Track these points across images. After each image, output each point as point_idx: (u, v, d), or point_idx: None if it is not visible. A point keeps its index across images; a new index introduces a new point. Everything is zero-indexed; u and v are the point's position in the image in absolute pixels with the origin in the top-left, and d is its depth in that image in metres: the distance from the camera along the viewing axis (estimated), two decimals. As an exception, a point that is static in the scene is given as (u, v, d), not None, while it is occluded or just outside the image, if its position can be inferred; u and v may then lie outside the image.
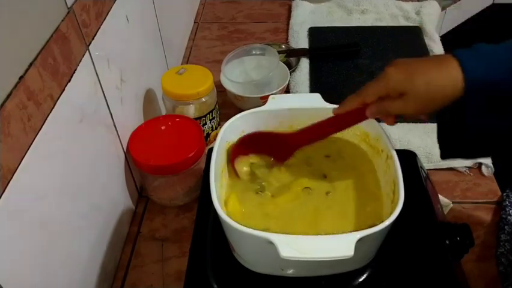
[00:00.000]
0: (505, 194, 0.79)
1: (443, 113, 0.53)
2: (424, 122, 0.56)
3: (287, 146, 0.63)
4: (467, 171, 0.85)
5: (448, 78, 0.50)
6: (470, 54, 0.50)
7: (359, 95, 0.56)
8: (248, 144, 0.63)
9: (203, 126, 0.86)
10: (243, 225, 0.48)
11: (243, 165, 0.63)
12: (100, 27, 0.65)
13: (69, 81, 0.57)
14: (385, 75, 0.53)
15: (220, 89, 0.93)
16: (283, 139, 0.63)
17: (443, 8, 1.55)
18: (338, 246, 0.46)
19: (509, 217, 0.74)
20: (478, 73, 0.49)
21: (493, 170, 0.84)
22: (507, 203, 0.77)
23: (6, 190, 0.44)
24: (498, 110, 0.50)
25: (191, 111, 0.84)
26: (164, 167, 0.73)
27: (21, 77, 0.47)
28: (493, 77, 0.48)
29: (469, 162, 0.84)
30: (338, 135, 0.65)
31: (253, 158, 0.64)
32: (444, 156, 0.58)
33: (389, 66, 0.53)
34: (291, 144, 0.63)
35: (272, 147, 0.64)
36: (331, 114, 0.60)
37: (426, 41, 1.14)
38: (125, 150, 0.76)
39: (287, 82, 0.98)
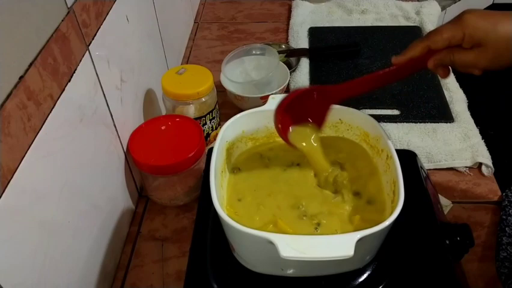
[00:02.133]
0: (504, 194, 0.79)
1: None
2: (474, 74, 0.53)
3: (330, 99, 0.61)
4: (467, 171, 0.85)
5: None
6: None
7: (428, 39, 0.51)
8: (291, 111, 0.59)
9: (203, 126, 0.86)
10: (243, 225, 0.48)
11: (299, 139, 0.61)
12: (100, 27, 0.65)
13: (69, 81, 0.57)
14: (462, 20, 0.48)
15: (220, 89, 0.93)
16: (327, 92, 0.60)
17: (443, 8, 1.55)
18: (338, 246, 0.46)
19: (509, 217, 0.74)
20: None
21: (493, 170, 0.84)
22: (506, 203, 0.77)
23: (6, 190, 0.44)
24: None
25: (191, 111, 0.84)
26: (164, 167, 0.73)
27: (21, 77, 0.47)
28: None
29: (469, 162, 0.84)
30: (339, 134, 0.65)
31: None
32: None
33: (465, 13, 0.48)
34: (339, 93, 0.60)
35: (313, 108, 0.61)
36: (330, 114, 0.60)
37: (426, 41, 1.13)
38: (125, 150, 0.76)
39: (287, 82, 0.98)
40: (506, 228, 0.72)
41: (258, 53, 1.03)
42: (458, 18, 0.49)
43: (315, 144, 0.61)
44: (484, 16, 0.48)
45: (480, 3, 1.92)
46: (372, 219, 0.55)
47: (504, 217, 0.74)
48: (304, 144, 0.61)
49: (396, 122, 0.92)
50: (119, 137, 0.74)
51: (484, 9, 1.92)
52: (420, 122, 0.91)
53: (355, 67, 1.08)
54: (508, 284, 0.66)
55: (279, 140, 0.66)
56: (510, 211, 0.75)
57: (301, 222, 0.56)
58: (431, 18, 1.21)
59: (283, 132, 0.60)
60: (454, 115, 0.93)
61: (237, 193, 0.60)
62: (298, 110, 0.60)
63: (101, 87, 0.66)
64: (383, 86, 0.58)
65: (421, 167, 0.68)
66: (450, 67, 0.53)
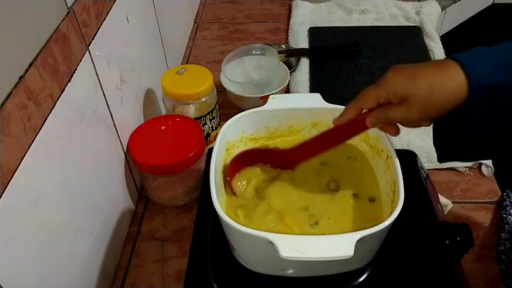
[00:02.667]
0: (505, 193, 0.79)
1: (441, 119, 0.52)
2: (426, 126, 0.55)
3: (287, 161, 0.62)
4: (467, 171, 0.85)
5: (450, 81, 0.48)
6: (470, 56, 0.49)
7: (357, 101, 0.54)
8: (245, 160, 0.62)
9: (203, 126, 0.86)
10: (243, 226, 0.48)
11: (242, 180, 0.62)
12: (100, 27, 0.65)
13: (69, 81, 0.57)
14: (384, 80, 0.51)
15: (220, 89, 0.93)
16: (282, 155, 0.62)
17: (443, 8, 1.55)
18: (338, 246, 0.46)
19: (509, 216, 0.75)
20: (481, 74, 0.48)
21: (493, 170, 0.84)
22: (507, 202, 0.77)
23: (6, 190, 0.44)
24: (498, 110, 0.50)
25: (191, 111, 0.84)
26: (164, 167, 0.73)
27: (21, 77, 0.47)
28: (496, 76, 0.47)
29: (469, 162, 0.84)
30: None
31: (251, 172, 0.63)
32: (442, 159, 0.57)
33: (388, 72, 0.52)
34: (291, 159, 0.62)
35: (271, 163, 0.63)
36: (330, 114, 0.60)
37: (426, 41, 1.14)
38: (125, 150, 0.76)
39: (287, 82, 0.98)
40: (506, 226, 0.73)
41: (258, 53, 1.03)
42: (383, 78, 0.52)
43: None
44: (403, 73, 0.50)
45: (480, 4, 1.92)
46: (372, 220, 0.56)
47: (504, 216, 0.75)
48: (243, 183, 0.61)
49: (398, 133, 0.91)
50: (119, 137, 0.74)
51: (484, 8, 1.92)
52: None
53: (355, 67, 1.08)
54: (507, 284, 0.67)
55: (279, 140, 0.66)
56: (510, 210, 0.75)
57: (300, 219, 0.57)
58: (431, 18, 1.21)
59: (230, 177, 0.60)
60: (453, 115, 0.93)
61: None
62: (255, 161, 0.63)
63: (101, 87, 0.66)
64: (334, 148, 0.60)
65: (421, 167, 0.68)
66: (398, 124, 0.55)
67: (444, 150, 0.56)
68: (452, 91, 0.48)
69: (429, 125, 0.54)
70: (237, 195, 0.60)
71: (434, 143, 0.57)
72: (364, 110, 0.55)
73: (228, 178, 0.60)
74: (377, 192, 0.59)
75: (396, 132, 0.56)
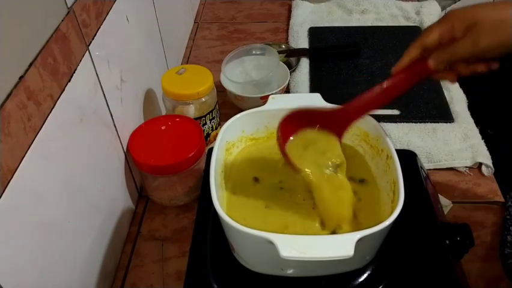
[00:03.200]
0: (508, 195, 0.79)
1: None
2: (491, 70, 0.51)
3: (341, 120, 0.57)
4: (467, 171, 0.85)
5: None
6: None
7: (419, 38, 0.51)
8: (294, 123, 0.57)
9: (203, 126, 0.86)
10: (243, 225, 0.48)
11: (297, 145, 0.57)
12: (100, 27, 0.65)
13: (69, 81, 0.57)
14: (448, 15, 0.49)
15: (220, 89, 0.93)
16: (333, 114, 0.57)
17: (443, 8, 1.55)
18: (338, 246, 0.46)
19: None
20: None
21: (493, 170, 0.84)
22: (510, 203, 0.77)
23: (6, 190, 0.44)
24: None
25: (191, 111, 0.84)
26: (164, 167, 0.73)
27: (21, 77, 0.47)
28: None
29: (469, 162, 0.84)
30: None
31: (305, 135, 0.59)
32: None
33: (451, 10, 0.49)
34: (345, 117, 0.57)
35: (322, 123, 0.58)
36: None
37: (426, 41, 1.13)
38: (125, 150, 0.76)
39: (287, 82, 0.98)
40: (511, 228, 0.73)
41: (258, 53, 1.03)
42: (445, 15, 0.50)
43: (327, 171, 0.55)
44: (468, 7, 0.49)
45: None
46: (372, 219, 0.56)
47: (508, 217, 0.75)
48: (304, 164, 0.55)
49: (396, 122, 0.92)
50: (119, 137, 0.74)
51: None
52: (420, 122, 0.92)
53: (355, 67, 1.08)
54: None
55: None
56: None
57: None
58: (431, 18, 1.21)
59: (282, 140, 0.56)
60: (454, 115, 0.93)
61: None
62: (304, 122, 0.57)
63: (101, 87, 0.66)
64: (392, 100, 0.55)
65: (421, 167, 0.68)
66: (456, 72, 0.52)
67: None
68: None
69: (496, 66, 0.51)
70: (293, 163, 0.55)
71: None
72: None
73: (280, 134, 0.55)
74: (377, 192, 0.59)
75: (456, 77, 0.52)
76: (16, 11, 0.47)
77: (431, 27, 0.51)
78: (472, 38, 0.48)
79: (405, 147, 0.85)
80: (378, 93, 0.54)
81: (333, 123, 0.57)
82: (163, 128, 0.78)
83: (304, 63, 1.08)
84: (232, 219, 0.49)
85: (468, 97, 0.98)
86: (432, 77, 0.54)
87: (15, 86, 0.46)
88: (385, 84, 0.54)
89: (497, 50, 0.49)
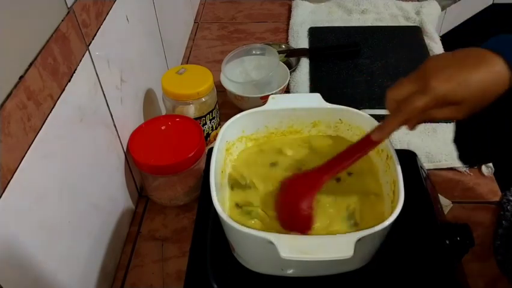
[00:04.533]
0: (504, 193, 0.79)
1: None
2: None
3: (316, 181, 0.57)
4: (467, 171, 0.85)
5: (497, 74, 0.47)
6: (503, 44, 0.47)
7: (401, 113, 0.50)
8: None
9: (203, 126, 0.86)
10: (243, 225, 0.48)
11: None
12: (100, 27, 0.65)
13: (69, 81, 0.57)
14: (431, 88, 0.48)
15: (220, 89, 0.93)
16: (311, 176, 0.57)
17: (443, 8, 1.55)
18: (338, 246, 0.46)
19: (506, 213, 0.75)
20: None
21: (493, 170, 0.84)
22: (505, 200, 0.77)
23: (6, 190, 0.44)
24: None
25: (191, 111, 0.84)
26: (164, 167, 0.73)
27: (21, 77, 0.47)
28: None
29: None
30: (339, 134, 0.65)
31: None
32: (463, 159, 0.56)
33: (432, 76, 0.48)
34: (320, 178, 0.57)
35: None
36: (330, 114, 0.60)
37: (426, 41, 1.14)
38: (125, 150, 0.76)
39: (287, 82, 0.98)
40: (503, 222, 0.74)
41: (258, 53, 1.03)
42: (424, 83, 0.48)
43: None
44: (450, 78, 0.47)
45: (480, 4, 1.92)
46: (372, 219, 0.56)
47: (502, 212, 0.76)
48: None
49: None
50: (119, 137, 0.74)
51: (484, 8, 1.92)
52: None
53: (355, 67, 1.08)
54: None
55: (279, 140, 0.66)
56: (508, 207, 0.76)
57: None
58: (431, 18, 1.21)
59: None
60: (454, 115, 0.92)
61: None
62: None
63: (101, 87, 0.66)
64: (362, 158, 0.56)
65: (421, 167, 0.68)
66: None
67: (466, 149, 0.54)
68: (500, 87, 0.47)
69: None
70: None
71: (454, 140, 0.54)
72: None
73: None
74: (377, 192, 0.59)
75: (415, 127, 0.53)
76: (16, 11, 0.47)
77: (414, 103, 0.49)
78: (453, 110, 0.49)
79: (405, 147, 0.85)
80: (349, 154, 0.56)
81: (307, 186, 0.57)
82: (163, 128, 0.78)
83: (304, 63, 1.08)
84: (233, 220, 0.49)
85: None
86: None
87: (15, 86, 0.46)
88: (356, 146, 0.56)
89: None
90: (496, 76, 0.47)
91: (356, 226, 0.56)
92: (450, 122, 0.89)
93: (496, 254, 0.71)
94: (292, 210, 0.56)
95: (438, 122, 0.83)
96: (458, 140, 0.55)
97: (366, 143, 0.55)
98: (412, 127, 0.52)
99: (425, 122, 0.52)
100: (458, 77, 0.48)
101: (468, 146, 0.55)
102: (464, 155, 0.56)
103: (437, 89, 0.48)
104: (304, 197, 0.56)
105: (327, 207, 0.57)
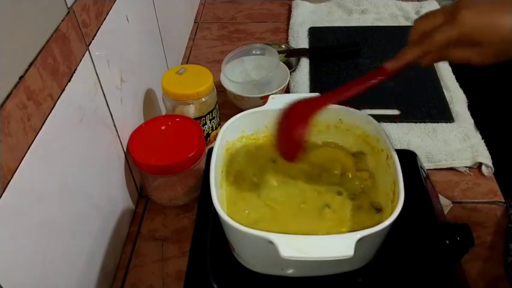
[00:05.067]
0: (509, 204, 0.78)
1: None
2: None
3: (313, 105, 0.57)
4: (467, 171, 0.85)
5: None
6: None
7: (421, 44, 0.48)
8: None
9: (203, 126, 0.86)
10: (244, 225, 0.48)
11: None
12: (100, 27, 0.65)
13: (69, 81, 0.57)
14: (458, 20, 0.45)
15: (220, 89, 0.93)
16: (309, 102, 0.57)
17: (443, 8, 1.56)
18: (338, 246, 0.46)
19: None
20: None
21: (493, 170, 0.84)
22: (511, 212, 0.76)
23: (6, 190, 0.44)
24: None
25: (191, 111, 0.84)
26: (164, 167, 0.73)
27: (21, 77, 0.47)
28: None
29: (468, 162, 0.84)
30: (339, 134, 0.65)
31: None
32: None
33: (463, 8, 0.44)
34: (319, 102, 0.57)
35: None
36: (330, 114, 0.60)
37: (426, 41, 1.13)
38: (125, 150, 0.76)
39: (287, 82, 0.98)
40: None
41: (258, 53, 1.03)
42: (454, 15, 0.46)
43: None
44: (481, 13, 0.45)
45: (480, 3, 1.92)
46: (371, 219, 0.56)
47: (510, 225, 0.74)
48: None
49: (396, 122, 0.92)
50: (119, 137, 0.74)
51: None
52: (420, 122, 0.91)
53: (355, 67, 1.08)
54: None
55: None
56: None
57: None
58: (431, 18, 1.21)
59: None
60: (454, 115, 0.93)
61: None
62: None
63: (101, 87, 0.66)
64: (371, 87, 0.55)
65: (421, 167, 0.68)
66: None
67: None
68: None
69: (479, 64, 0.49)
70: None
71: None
72: None
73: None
74: (377, 192, 0.59)
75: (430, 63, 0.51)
76: (16, 11, 0.47)
77: (437, 34, 0.47)
78: (475, 52, 0.46)
79: (405, 147, 0.85)
80: (359, 82, 0.55)
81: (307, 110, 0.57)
82: (163, 128, 0.78)
83: (304, 63, 1.08)
84: (232, 219, 0.49)
85: (468, 97, 0.98)
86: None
87: (15, 86, 0.46)
88: (368, 76, 0.54)
89: (494, 63, 0.48)
90: None
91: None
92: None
93: (507, 270, 0.70)
94: (288, 130, 0.55)
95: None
96: None
97: (379, 73, 0.53)
98: (427, 63, 0.49)
99: (441, 61, 0.49)
100: (490, 15, 0.45)
101: None
102: None
103: (465, 23, 0.45)
104: (303, 115, 0.54)
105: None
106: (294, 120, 0.56)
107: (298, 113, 0.56)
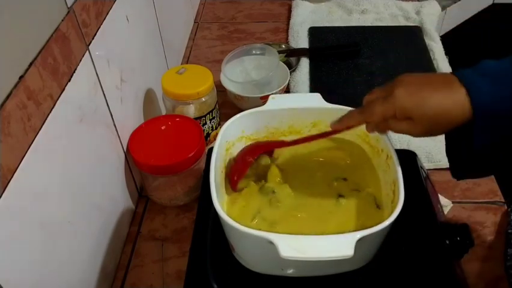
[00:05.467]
0: (510, 208, 0.78)
1: (451, 133, 0.52)
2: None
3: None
4: (467, 171, 0.85)
5: (455, 103, 0.48)
6: (476, 78, 0.48)
7: (363, 113, 0.54)
8: (248, 155, 0.63)
9: (203, 126, 0.86)
10: (243, 225, 0.48)
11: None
12: (100, 27, 0.65)
13: (69, 81, 0.57)
14: (393, 97, 0.50)
15: (220, 89, 0.93)
16: (276, 146, 0.64)
17: (443, 8, 1.55)
18: (338, 246, 0.46)
19: None
20: (486, 99, 0.47)
21: (493, 170, 0.84)
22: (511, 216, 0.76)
23: (6, 190, 0.44)
24: (503, 133, 0.48)
25: (191, 111, 0.84)
26: (164, 167, 0.73)
27: (21, 77, 0.47)
28: (503, 103, 0.47)
29: (468, 162, 0.84)
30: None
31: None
32: (456, 175, 0.57)
33: (398, 87, 0.50)
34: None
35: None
36: (330, 114, 0.60)
37: (426, 41, 1.14)
38: (125, 150, 0.76)
39: (287, 82, 0.98)
40: None
41: (258, 53, 1.03)
42: (390, 92, 0.51)
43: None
44: (412, 92, 0.50)
45: (480, 4, 1.92)
46: (371, 219, 0.56)
47: (510, 231, 0.74)
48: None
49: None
50: (119, 137, 0.74)
51: (484, 8, 1.92)
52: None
53: (355, 67, 1.08)
54: None
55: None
56: None
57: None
58: (431, 18, 1.21)
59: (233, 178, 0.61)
60: (454, 115, 0.92)
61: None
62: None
63: (101, 87, 0.66)
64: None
65: (421, 167, 0.68)
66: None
67: (457, 164, 0.56)
68: (456, 113, 0.48)
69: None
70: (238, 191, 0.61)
71: (446, 153, 0.56)
72: None
73: (235, 178, 0.60)
74: (377, 192, 0.59)
75: (386, 132, 0.57)
76: (16, 11, 0.47)
77: (375, 106, 0.52)
78: (409, 125, 0.51)
79: (405, 147, 0.85)
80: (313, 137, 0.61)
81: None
82: (163, 128, 0.78)
83: (304, 63, 1.08)
84: (233, 219, 0.49)
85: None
86: None
87: (15, 86, 0.46)
88: (320, 135, 0.61)
89: (429, 136, 0.52)
90: (453, 104, 0.48)
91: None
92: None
93: (508, 273, 0.70)
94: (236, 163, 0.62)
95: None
96: (450, 153, 0.56)
97: (326, 132, 0.60)
98: (370, 130, 0.56)
99: (384, 132, 0.56)
100: (418, 94, 0.50)
101: (459, 159, 0.56)
102: (455, 169, 0.57)
103: (397, 100, 0.50)
104: (251, 151, 0.62)
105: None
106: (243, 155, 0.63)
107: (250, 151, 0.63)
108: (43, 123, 0.51)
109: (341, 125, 0.57)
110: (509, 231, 0.74)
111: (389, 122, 0.52)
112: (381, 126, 0.54)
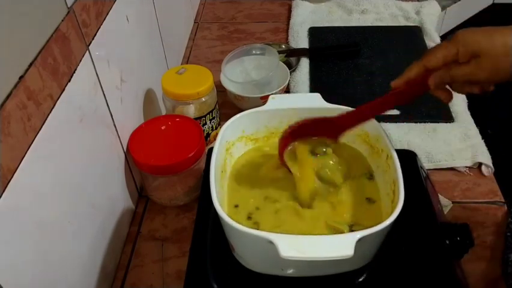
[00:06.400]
0: (510, 211, 0.78)
1: None
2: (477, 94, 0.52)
3: (335, 128, 0.60)
4: (467, 171, 0.85)
5: None
6: None
7: (422, 59, 0.51)
8: (295, 135, 0.61)
9: (203, 126, 0.86)
10: (243, 225, 0.48)
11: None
12: (100, 27, 0.65)
13: (69, 81, 0.57)
14: (455, 37, 0.48)
15: (220, 89, 0.93)
16: (330, 122, 0.60)
17: (443, 8, 1.55)
18: (338, 246, 0.46)
19: None
20: None
21: (493, 170, 0.84)
22: (511, 219, 0.76)
23: (6, 190, 0.44)
24: None
25: (191, 111, 0.84)
26: (164, 167, 0.73)
27: (21, 77, 0.47)
28: None
29: (469, 162, 0.84)
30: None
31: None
32: None
33: (459, 31, 0.48)
34: (339, 126, 0.60)
35: (318, 133, 0.61)
36: (330, 114, 0.60)
37: (426, 41, 1.14)
38: (125, 150, 0.76)
39: (287, 82, 0.98)
40: None
41: (258, 53, 1.03)
42: (452, 37, 0.49)
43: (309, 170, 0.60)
44: (477, 30, 0.48)
45: (480, 4, 1.92)
46: (371, 219, 0.56)
47: (509, 234, 0.74)
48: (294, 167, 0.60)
49: (396, 122, 0.92)
50: (119, 137, 0.74)
51: (484, 8, 1.92)
52: (420, 122, 0.91)
53: (355, 67, 1.08)
54: None
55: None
56: None
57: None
58: (431, 18, 1.21)
59: (281, 148, 0.60)
60: (453, 115, 0.93)
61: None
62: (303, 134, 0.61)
63: (101, 87, 0.66)
64: (389, 109, 0.57)
65: (421, 167, 0.68)
66: (452, 91, 0.53)
67: None
68: None
69: (491, 89, 0.52)
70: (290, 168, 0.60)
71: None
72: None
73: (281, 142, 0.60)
74: (377, 192, 0.59)
75: (451, 97, 0.53)
76: (16, 11, 0.47)
77: (436, 49, 0.51)
78: (474, 66, 0.48)
79: (405, 147, 0.85)
80: (373, 107, 0.57)
81: (329, 131, 0.60)
82: (163, 128, 0.78)
83: (304, 63, 1.08)
84: (232, 219, 0.49)
85: (468, 97, 0.98)
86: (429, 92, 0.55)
87: (15, 86, 0.46)
88: (383, 98, 0.56)
89: (495, 81, 0.50)
90: None
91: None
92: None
93: (506, 280, 0.70)
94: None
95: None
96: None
97: (385, 97, 0.56)
98: (432, 82, 0.51)
99: (445, 83, 0.52)
100: (485, 31, 0.48)
101: None
102: None
103: (460, 36, 0.48)
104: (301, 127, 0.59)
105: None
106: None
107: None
108: (43, 124, 0.51)
109: (401, 79, 0.54)
110: (508, 234, 0.74)
111: (451, 68, 0.50)
112: (445, 76, 0.50)
